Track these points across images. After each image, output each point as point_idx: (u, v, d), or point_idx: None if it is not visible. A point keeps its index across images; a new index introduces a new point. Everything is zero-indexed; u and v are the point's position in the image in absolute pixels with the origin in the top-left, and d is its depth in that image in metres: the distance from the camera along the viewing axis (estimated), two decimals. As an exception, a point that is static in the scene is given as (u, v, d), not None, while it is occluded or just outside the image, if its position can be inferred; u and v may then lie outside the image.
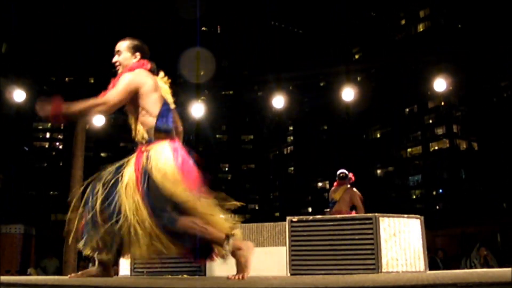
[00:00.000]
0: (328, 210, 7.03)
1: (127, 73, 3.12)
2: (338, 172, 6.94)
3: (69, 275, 3.20)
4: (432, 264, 8.89)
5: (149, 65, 3.24)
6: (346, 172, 6.88)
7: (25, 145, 49.57)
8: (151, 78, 3.15)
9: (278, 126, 55.42)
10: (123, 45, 3.28)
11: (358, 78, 8.87)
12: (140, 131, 3.07)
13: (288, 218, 4.73)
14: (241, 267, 2.85)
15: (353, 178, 6.86)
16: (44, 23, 50.22)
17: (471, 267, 10.16)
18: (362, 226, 4.48)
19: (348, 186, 6.79)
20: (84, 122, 8.58)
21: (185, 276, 4.46)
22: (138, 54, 3.25)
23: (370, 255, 4.36)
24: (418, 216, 4.81)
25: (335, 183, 6.98)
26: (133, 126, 3.15)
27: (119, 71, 3.23)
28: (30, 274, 8.77)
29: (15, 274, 8.57)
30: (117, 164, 3.07)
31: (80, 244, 3.06)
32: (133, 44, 3.28)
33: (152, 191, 2.84)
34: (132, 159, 3.06)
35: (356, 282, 2.13)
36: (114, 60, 3.28)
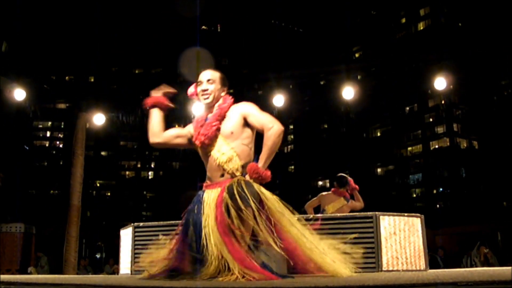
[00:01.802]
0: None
1: (251, 103, 3.13)
2: (338, 175, 6.22)
3: None
4: (433, 262, 8.90)
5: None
6: (347, 177, 6.16)
7: (26, 144, 49.59)
8: None
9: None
10: (216, 75, 3.20)
11: (359, 77, 8.84)
12: (236, 162, 3.00)
13: (288, 216, 4.71)
14: None
15: (353, 184, 6.12)
16: (44, 22, 50.19)
17: (471, 266, 10.16)
18: (363, 224, 4.47)
19: (347, 201, 6.06)
20: (84, 120, 8.59)
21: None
22: (225, 89, 3.23)
23: (371, 254, 4.35)
24: (419, 214, 4.80)
25: (332, 189, 6.25)
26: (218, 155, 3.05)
27: (207, 101, 3.15)
28: (30, 273, 8.77)
29: (16, 273, 8.58)
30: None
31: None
32: (224, 76, 3.23)
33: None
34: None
35: (356, 281, 2.13)
36: (204, 87, 3.16)
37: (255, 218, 2.76)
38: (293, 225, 2.89)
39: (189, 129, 3.26)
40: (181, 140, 3.28)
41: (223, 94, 3.20)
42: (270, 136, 2.95)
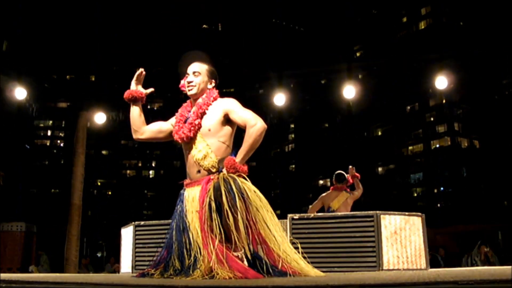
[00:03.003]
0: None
1: (233, 100, 3.11)
2: (336, 173, 6.47)
3: None
4: (433, 262, 8.90)
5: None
6: (345, 174, 6.42)
7: (27, 143, 49.61)
8: None
9: (279, 124, 55.45)
10: (203, 68, 3.22)
11: (360, 76, 8.85)
12: (212, 159, 3.02)
13: (289, 215, 4.72)
14: None
15: (350, 180, 6.40)
16: (45, 21, 50.19)
17: (472, 265, 10.16)
18: (363, 223, 4.47)
19: (349, 193, 6.33)
20: (85, 119, 8.60)
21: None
22: (213, 81, 3.23)
23: (371, 253, 4.35)
24: (419, 213, 4.80)
25: (331, 187, 6.49)
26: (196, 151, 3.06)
27: (191, 92, 3.17)
28: (32, 272, 8.79)
29: (17, 272, 8.59)
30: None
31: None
32: (212, 69, 3.25)
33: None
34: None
35: (357, 279, 2.13)
36: (189, 79, 3.18)
37: (240, 216, 2.78)
38: (271, 221, 2.92)
39: (172, 122, 3.28)
40: (163, 135, 3.31)
41: (210, 86, 3.20)
42: (252, 134, 2.94)
